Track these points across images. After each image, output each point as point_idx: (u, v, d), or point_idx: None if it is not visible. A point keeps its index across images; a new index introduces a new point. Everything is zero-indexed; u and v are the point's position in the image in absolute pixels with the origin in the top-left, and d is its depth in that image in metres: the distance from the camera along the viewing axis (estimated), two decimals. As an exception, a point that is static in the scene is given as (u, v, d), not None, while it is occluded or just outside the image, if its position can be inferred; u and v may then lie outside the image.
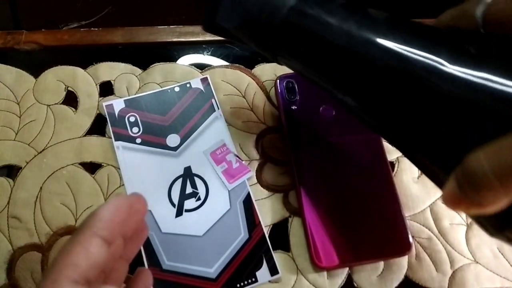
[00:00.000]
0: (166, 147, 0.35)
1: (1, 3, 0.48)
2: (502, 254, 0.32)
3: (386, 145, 0.35)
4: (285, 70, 0.39)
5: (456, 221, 0.33)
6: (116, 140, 0.35)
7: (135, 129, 0.35)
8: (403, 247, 0.31)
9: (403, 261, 0.32)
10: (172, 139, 0.35)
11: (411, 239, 0.31)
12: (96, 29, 0.41)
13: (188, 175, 0.34)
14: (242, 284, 0.30)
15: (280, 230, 0.33)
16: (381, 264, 0.32)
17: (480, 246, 0.32)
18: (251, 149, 0.35)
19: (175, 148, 0.35)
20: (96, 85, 0.38)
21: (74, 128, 0.36)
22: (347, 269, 0.32)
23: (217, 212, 0.33)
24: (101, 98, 0.37)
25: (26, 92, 0.37)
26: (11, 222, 0.32)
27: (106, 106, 0.36)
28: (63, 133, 0.36)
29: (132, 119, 0.35)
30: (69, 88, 0.37)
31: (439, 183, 0.21)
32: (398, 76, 0.20)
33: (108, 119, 0.35)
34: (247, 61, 0.39)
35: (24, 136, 0.35)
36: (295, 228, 0.33)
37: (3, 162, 0.34)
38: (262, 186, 0.34)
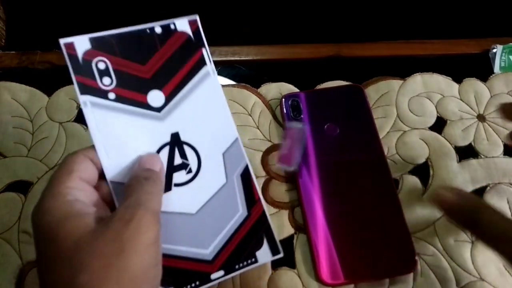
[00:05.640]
0: (147, 106, 0.28)
1: (13, 23, 0.50)
2: (508, 271, 0.32)
3: (390, 163, 0.36)
4: (290, 89, 0.40)
5: (461, 238, 0.33)
6: (82, 93, 0.26)
7: (106, 80, 0.27)
8: (408, 265, 0.31)
9: (409, 278, 0.32)
10: (155, 97, 0.28)
11: (416, 257, 0.32)
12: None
13: (176, 143, 0.28)
14: (241, 265, 0.28)
15: (285, 247, 0.33)
16: (386, 281, 0.32)
17: (486, 264, 0.32)
18: (257, 166, 0.36)
19: (159, 109, 0.28)
20: (106, 103, 0.39)
21: (85, 144, 0.36)
22: (352, 286, 0.32)
23: (211, 187, 0.28)
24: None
25: (39, 110, 0.38)
26: (21, 236, 0.33)
27: (64, 44, 0.25)
28: (74, 149, 0.36)
29: (101, 65, 0.27)
30: (80, 106, 0.38)
31: None
32: None
33: (69, 64, 0.25)
34: (253, 81, 0.41)
35: (36, 153, 0.36)
36: (300, 245, 0.33)
37: (15, 178, 0.35)
38: (267, 202, 0.35)
